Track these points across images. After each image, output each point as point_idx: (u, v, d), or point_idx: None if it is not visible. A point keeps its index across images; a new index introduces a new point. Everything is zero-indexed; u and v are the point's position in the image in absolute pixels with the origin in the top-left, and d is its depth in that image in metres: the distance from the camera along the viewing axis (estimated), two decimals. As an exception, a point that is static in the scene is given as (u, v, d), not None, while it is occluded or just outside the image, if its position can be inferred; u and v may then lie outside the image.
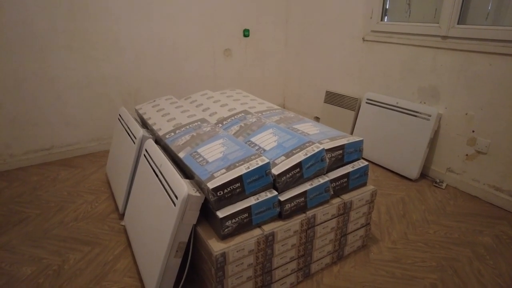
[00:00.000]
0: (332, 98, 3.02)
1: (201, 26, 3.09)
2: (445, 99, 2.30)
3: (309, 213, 1.45)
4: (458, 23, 2.17)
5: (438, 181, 2.41)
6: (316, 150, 1.44)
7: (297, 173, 1.41)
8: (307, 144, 1.48)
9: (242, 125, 1.80)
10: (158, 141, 1.87)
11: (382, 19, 2.66)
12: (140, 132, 1.89)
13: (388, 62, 2.62)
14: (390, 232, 1.88)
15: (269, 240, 1.35)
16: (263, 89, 3.71)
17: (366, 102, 2.72)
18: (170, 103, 2.21)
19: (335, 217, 1.54)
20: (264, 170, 1.34)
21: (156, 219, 1.45)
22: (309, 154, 1.42)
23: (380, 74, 2.71)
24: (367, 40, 2.75)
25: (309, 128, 1.76)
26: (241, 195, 1.32)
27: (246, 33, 3.34)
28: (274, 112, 2.04)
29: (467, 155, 2.26)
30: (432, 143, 2.43)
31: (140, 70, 2.93)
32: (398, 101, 2.50)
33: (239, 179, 1.29)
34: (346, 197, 1.57)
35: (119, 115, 2.31)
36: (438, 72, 2.31)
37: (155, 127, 1.91)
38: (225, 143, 1.53)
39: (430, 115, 2.30)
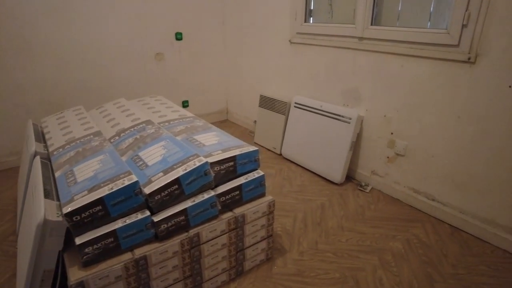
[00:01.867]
0: (266, 102, 2.96)
1: (130, 29, 2.95)
2: (366, 101, 2.28)
3: (192, 231, 1.36)
4: (371, 24, 2.15)
5: (363, 184, 2.38)
6: (198, 164, 1.36)
7: (176, 190, 1.32)
8: (191, 158, 1.40)
9: (138, 137, 1.69)
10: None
11: (306, 21, 2.61)
12: (32, 147, 1.75)
13: (314, 64, 2.58)
14: (300, 242, 1.82)
15: (141, 264, 1.25)
16: (205, 94, 3.61)
17: (294, 106, 2.67)
18: (75, 115, 2.07)
19: (226, 233, 1.46)
20: (132, 190, 1.24)
21: (25, 243, 1.32)
22: (189, 169, 1.33)
23: (308, 77, 2.66)
24: (293, 42, 2.70)
25: (210, 138, 1.68)
26: (106, 218, 1.21)
27: (178, 36, 3.23)
28: (183, 121, 1.94)
29: (388, 157, 2.24)
30: (356, 146, 2.40)
31: (62, 77, 2.76)
32: (323, 105, 2.45)
33: (100, 201, 1.18)
34: (239, 210, 1.49)
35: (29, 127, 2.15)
36: (358, 74, 2.28)
37: (49, 142, 1.78)
38: (104, 161, 1.42)
39: (350, 118, 2.26)
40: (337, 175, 2.35)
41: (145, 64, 3.13)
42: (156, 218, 1.28)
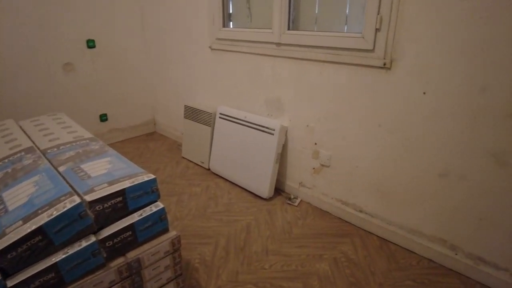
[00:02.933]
0: (191, 113, 2.72)
1: (31, 39, 2.55)
2: (289, 110, 2.14)
3: (68, 289, 1.10)
4: (289, 29, 2.01)
5: (292, 197, 2.25)
6: (69, 206, 1.09)
7: (41, 242, 1.05)
8: (62, 198, 1.13)
9: (9, 170, 1.38)
10: None
11: (226, 25, 2.42)
12: None
13: (236, 72, 2.40)
14: (219, 275, 1.62)
15: None
16: (127, 106, 3.28)
17: (219, 117, 2.47)
18: None
19: (117, 283, 1.21)
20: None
21: None
22: (54, 215, 1.07)
23: (231, 86, 2.48)
24: (214, 49, 2.50)
25: (100, 167, 1.41)
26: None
27: (90, 44, 2.88)
28: (76, 145, 1.65)
29: (314, 168, 2.12)
30: (283, 158, 2.27)
31: None
32: (247, 115, 2.28)
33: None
34: (133, 254, 1.25)
35: None
36: (279, 82, 2.14)
37: None
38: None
39: (274, 129, 2.12)
40: (264, 189, 2.19)
41: (51, 76, 2.74)
42: (11, 282, 1.00)
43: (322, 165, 2.07)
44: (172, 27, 2.84)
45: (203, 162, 2.67)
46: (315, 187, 2.16)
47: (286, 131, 2.18)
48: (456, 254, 1.67)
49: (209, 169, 2.64)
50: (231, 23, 2.45)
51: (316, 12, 1.96)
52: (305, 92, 2.01)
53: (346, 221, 2.03)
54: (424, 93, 1.56)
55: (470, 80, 1.42)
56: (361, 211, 1.96)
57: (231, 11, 2.43)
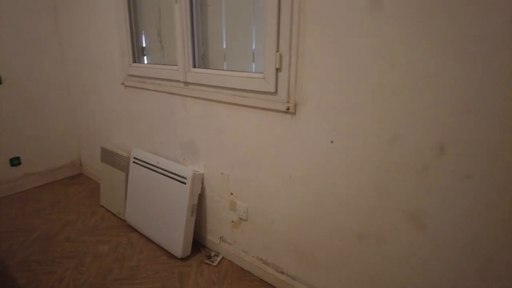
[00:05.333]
0: (107, 156, 2.42)
1: None
2: (204, 156, 1.89)
3: None
4: (195, 66, 1.79)
5: (212, 255, 1.96)
6: None
7: None
8: None
9: None
10: None
11: (138, 60, 2.18)
12: None
13: (150, 112, 2.14)
14: None
15: None
16: (46, 146, 2.93)
17: (133, 162, 2.18)
18: None
19: None
20: None
21: None
22: None
23: (146, 127, 2.21)
24: (127, 86, 2.24)
25: None
26: None
27: (-6, 80, 2.56)
28: None
29: (232, 221, 1.85)
30: (202, 209, 1.99)
31: None
32: (160, 161, 2.01)
33: None
34: None
35: None
36: (191, 124, 1.89)
37: None
38: None
39: (185, 177, 1.85)
40: (178, 248, 1.90)
41: None
42: None
43: (241, 219, 1.80)
44: (89, 61, 2.57)
45: (120, 213, 2.35)
46: (235, 243, 1.88)
47: (202, 179, 1.92)
48: (385, 325, 1.41)
49: (125, 221, 2.32)
50: (145, 58, 2.21)
51: (224, 47, 1.75)
52: (216, 136, 1.77)
53: (268, 283, 1.75)
54: (331, 141, 1.34)
55: (379, 128, 1.21)
56: (282, 273, 1.69)
57: (144, 45, 2.19)
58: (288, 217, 1.58)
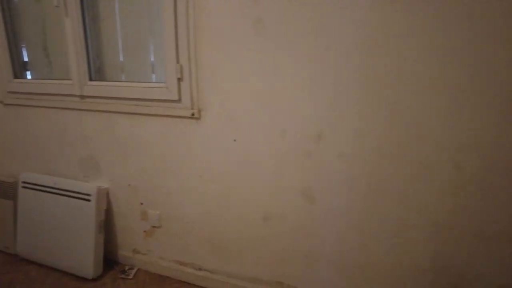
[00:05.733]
0: (-15, 185, 2.12)
1: None
2: (107, 170, 1.86)
3: None
4: (91, 79, 1.77)
5: (127, 269, 1.93)
6: None
7: None
8: None
9: None
10: None
11: (20, 76, 2.01)
12: None
13: (39, 131, 1.99)
14: None
15: None
16: None
17: (23, 186, 1.98)
18: None
19: None
20: None
21: None
22: None
23: (37, 148, 2.04)
24: (8, 104, 2.03)
25: None
26: None
27: None
28: None
29: (145, 231, 1.87)
30: (111, 224, 1.94)
31: None
32: (57, 181, 1.89)
33: None
34: None
35: None
36: (91, 139, 1.84)
37: None
38: None
39: (89, 194, 1.79)
40: (88, 268, 1.81)
41: None
42: None
43: (153, 227, 1.84)
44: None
45: (7, 247, 2.09)
46: (150, 252, 1.90)
47: (108, 194, 1.88)
48: (294, 294, 1.65)
49: (16, 255, 2.07)
50: (28, 73, 2.05)
51: (121, 60, 1.78)
52: (121, 147, 1.78)
53: (187, 283, 1.83)
54: (234, 140, 1.53)
55: (271, 125, 1.45)
56: (200, 269, 1.80)
57: (26, 59, 2.03)
58: (202, 215, 1.71)
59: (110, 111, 1.73)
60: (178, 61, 1.52)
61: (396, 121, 1.27)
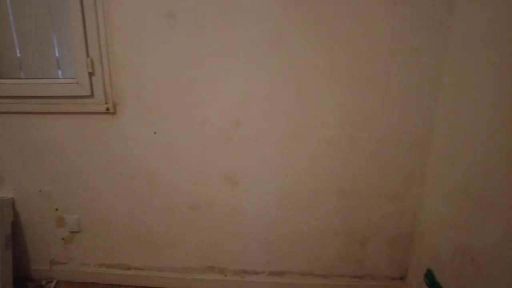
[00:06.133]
0: None
1: None
2: (10, 177, 1.68)
3: None
4: (-17, 78, 1.58)
5: (44, 283, 1.78)
6: None
7: None
8: None
9: None
10: None
11: None
12: None
13: None
14: None
15: None
16: None
17: None
18: None
19: None
20: None
21: None
22: None
23: None
24: None
25: None
26: None
27: None
28: None
29: (63, 238, 1.75)
30: (19, 238, 1.76)
31: None
32: None
33: None
34: None
35: None
36: (-13, 144, 1.65)
37: None
38: None
39: (-9, 207, 1.60)
40: (-4, 289, 1.63)
41: None
42: None
43: (72, 232, 1.73)
44: None
45: None
46: (71, 260, 1.78)
47: (13, 204, 1.70)
48: (225, 276, 1.74)
49: None
50: None
51: (19, 55, 1.63)
52: (28, 151, 1.63)
53: (117, 285, 1.77)
54: (155, 133, 1.54)
55: (193, 114, 1.50)
56: (129, 268, 1.76)
57: None
58: (125, 213, 1.67)
59: (12, 112, 1.57)
60: (88, 55, 1.46)
61: (302, 105, 1.45)
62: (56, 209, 1.70)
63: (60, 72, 1.64)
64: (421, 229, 1.56)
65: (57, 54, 1.63)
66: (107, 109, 1.51)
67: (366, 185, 1.55)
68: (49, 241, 1.76)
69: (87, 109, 1.52)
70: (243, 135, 1.51)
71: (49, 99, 1.54)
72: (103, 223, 1.70)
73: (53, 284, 1.77)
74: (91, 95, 1.51)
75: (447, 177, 1.34)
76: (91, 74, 1.48)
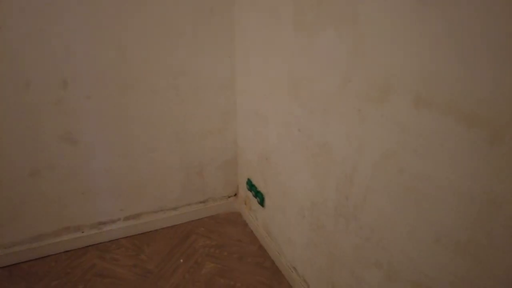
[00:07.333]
0: None
1: None
2: None
3: None
4: None
5: None
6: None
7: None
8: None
9: None
10: None
11: None
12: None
13: None
14: None
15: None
16: None
17: None
18: None
19: None
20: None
21: None
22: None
23: None
24: None
25: None
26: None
27: None
28: None
29: None
30: None
31: None
32: None
33: None
34: None
35: None
36: None
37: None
38: None
39: None
40: None
41: None
42: None
43: None
44: None
45: None
46: None
47: None
48: (83, 232, 1.85)
49: None
50: None
51: None
52: None
53: None
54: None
55: (13, 77, 1.46)
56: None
57: None
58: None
59: None
60: None
61: (129, 60, 1.64)
62: None
63: None
64: (239, 151, 2.05)
65: None
66: None
67: (194, 125, 1.90)
68: None
69: None
70: (73, 95, 1.59)
71: None
72: None
73: None
74: None
75: (246, 106, 1.82)
76: None
